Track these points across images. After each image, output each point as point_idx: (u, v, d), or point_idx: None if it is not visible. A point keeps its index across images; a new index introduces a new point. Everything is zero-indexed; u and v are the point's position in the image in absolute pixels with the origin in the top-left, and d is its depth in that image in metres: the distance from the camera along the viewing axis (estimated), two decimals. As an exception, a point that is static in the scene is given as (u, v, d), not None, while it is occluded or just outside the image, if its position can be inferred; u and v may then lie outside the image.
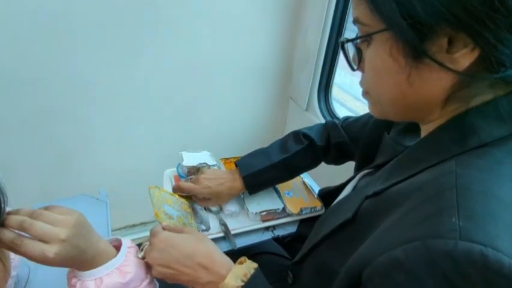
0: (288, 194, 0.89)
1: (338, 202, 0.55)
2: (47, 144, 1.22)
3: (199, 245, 0.49)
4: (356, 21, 0.40)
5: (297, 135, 0.82)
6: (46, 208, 0.41)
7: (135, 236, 1.61)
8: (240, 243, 0.77)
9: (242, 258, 0.50)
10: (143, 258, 0.49)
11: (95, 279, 0.42)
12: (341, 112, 1.39)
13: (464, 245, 0.28)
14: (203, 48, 1.27)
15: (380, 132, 0.60)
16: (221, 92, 1.42)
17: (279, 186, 0.90)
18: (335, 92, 1.43)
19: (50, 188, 1.29)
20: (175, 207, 0.76)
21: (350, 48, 0.43)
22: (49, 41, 1.03)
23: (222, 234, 0.78)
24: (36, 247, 0.38)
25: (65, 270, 0.45)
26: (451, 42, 0.33)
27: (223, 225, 0.79)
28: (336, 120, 0.83)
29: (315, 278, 0.51)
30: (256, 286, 0.46)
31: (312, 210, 0.85)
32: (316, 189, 0.95)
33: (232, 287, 0.44)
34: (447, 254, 0.28)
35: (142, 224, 1.66)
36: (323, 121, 1.35)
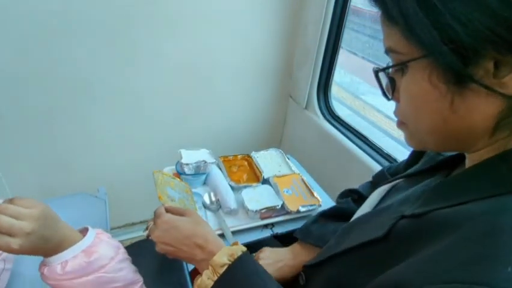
0: (287, 191, 0.89)
1: (366, 214, 0.52)
2: (47, 143, 1.22)
3: (197, 228, 0.55)
4: (388, 51, 0.38)
5: (344, 192, 0.78)
6: (11, 201, 0.42)
7: (135, 235, 1.61)
8: (239, 240, 0.77)
9: (235, 242, 0.54)
10: (148, 236, 0.57)
11: (61, 262, 0.44)
12: (341, 110, 1.39)
13: None
14: (203, 48, 1.27)
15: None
16: (220, 90, 1.42)
17: (278, 184, 0.90)
18: (335, 90, 1.43)
19: (50, 186, 1.29)
20: (176, 190, 0.80)
21: (383, 78, 0.41)
22: (49, 40, 1.03)
23: (220, 232, 0.78)
24: (1, 240, 0.39)
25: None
26: (497, 65, 0.31)
27: (223, 222, 0.80)
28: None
29: (329, 286, 0.49)
30: (241, 266, 0.49)
31: (311, 208, 0.85)
32: (316, 187, 0.96)
33: (219, 263, 0.49)
34: None
35: (141, 222, 1.66)
36: (322, 119, 1.36)
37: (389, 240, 0.40)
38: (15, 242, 0.39)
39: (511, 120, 0.33)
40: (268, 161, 1.03)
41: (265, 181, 0.94)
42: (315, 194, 0.89)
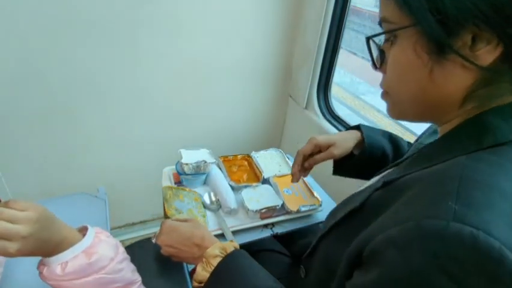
0: (287, 191, 0.89)
1: (350, 195, 0.55)
2: (47, 143, 1.22)
3: (195, 230, 0.63)
4: (382, 21, 0.41)
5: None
6: (6, 204, 0.41)
7: (135, 235, 1.61)
8: (239, 240, 0.77)
9: (230, 241, 0.61)
10: (155, 243, 0.65)
11: (61, 263, 0.43)
12: (341, 110, 1.39)
13: (456, 226, 0.28)
14: (202, 48, 1.27)
15: None
16: (220, 90, 1.42)
17: (278, 184, 0.90)
18: (335, 90, 1.43)
19: (50, 186, 1.29)
20: (185, 201, 0.84)
21: (374, 49, 0.44)
22: (49, 39, 1.03)
23: (220, 232, 0.78)
24: None
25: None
26: (474, 40, 0.34)
27: (222, 222, 0.80)
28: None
29: (323, 269, 0.51)
30: (233, 260, 0.55)
31: (311, 207, 0.85)
32: (316, 187, 0.96)
33: (212, 254, 0.55)
34: (438, 234, 0.29)
35: (141, 222, 1.66)
36: (322, 119, 1.36)
37: (364, 210, 0.45)
38: (12, 247, 0.38)
39: (480, 93, 0.37)
40: (268, 160, 1.03)
41: (265, 181, 0.94)
42: (315, 194, 0.89)
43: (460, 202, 0.30)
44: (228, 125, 1.54)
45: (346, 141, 0.74)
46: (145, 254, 0.76)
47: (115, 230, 1.59)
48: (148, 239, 0.79)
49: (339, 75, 1.36)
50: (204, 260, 0.57)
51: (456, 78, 0.37)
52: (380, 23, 0.42)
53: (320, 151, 0.75)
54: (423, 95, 0.40)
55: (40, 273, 0.45)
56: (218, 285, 0.54)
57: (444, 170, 0.36)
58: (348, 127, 0.84)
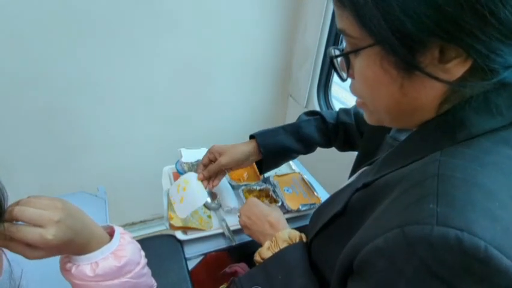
0: (287, 190, 0.89)
1: (332, 195, 0.56)
2: (47, 142, 1.21)
3: (274, 212, 0.69)
4: (341, 32, 0.39)
5: (309, 111, 0.86)
6: (28, 198, 0.40)
7: (135, 234, 1.60)
8: (239, 240, 0.77)
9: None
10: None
11: (91, 263, 0.42)
12: (341, 109, 1.38)
13: (440, 230, 0.28)
14: (202, 47, 1.27)
15: (382, 131, 0.59)
16: (220, 89, 1.41)
17: (279, 182, 0.90)
18: (335, 90, 1.43)
19: (50, 185, 1.29)
20: None
21: (337, 58, 0.42)
22: (47, 39, 1.03)
23: (221, 231, 0.78)
24: (34, 231, 0.37)
25: (58, 270, 0.44)
26: (442, 52, 0.33)
27: (223, 221, 0.79)
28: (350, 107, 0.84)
29: (316, 271, 0.51)
30: (295, 248, 0.56)
31: (312, 206, 0.85)
32: (316, 185, 0.95)
33: (282, 238, 0.60)
34: (424, 240, 0.28)
35: (141, 222, 1.66)
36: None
37: (347, 213, 0.44)
38: (49, 232, 0.37)
39: (455, 96, 0.36)
40: (269, 159, 1.03)
41: (266, 180, 0.94)
42: (316, 193, 0.89)
43: (441, 204, 0.29)
44: (229, 125, 1.54)
45: (236, 150, 0.77)
46: (148, 253, 0.75)
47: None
48: (148, 238, 0.79)
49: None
50: (273, 239, 0.61)
51: (428, 90, 0.36)
52: (339, 32, 0.40)
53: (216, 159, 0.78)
54: (397, 106, 0.39)
55: (66, 271, 0.43)
56: (274, 269, 0.56)
57: (421, 168, 0.35)
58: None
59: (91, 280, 0.42)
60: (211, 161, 0.78)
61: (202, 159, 0.79)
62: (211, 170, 0.76)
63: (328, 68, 1.33)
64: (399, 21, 0.32)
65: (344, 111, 0.83)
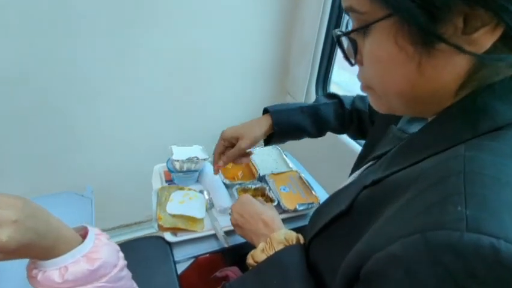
0: (283, 189, 0.85)
1: (335, 193, 0.51)
2: (36, 142, 1.17)
3: (269, 211, 0.64)
4: (348, 11, 0.34)
5: (328, 93, 0.82)
6: None
7: (129, 236, 1.57)
8: (233, 241, 0.73)
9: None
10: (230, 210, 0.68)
11: (60, 268, 0.37)
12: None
13: (472, 236, 0.24)
14: (199, 43, 1.23)
15: (393, 121, 0.54)
16: (217, 87, 1.38)
17: (275, 181, 0.86)
18: (333, 89, 1.39)
19: (39, 186, 1.25)
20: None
21: (344, 41, 0.38)
22: (36, 38, 0.99)
23: (213, 232, 0.73)
24: None
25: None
26: (466, 21, 0.28)
27: (215, 222, 0.75)
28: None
29: (314, 273, 0.47)
30: (292, 251, 0.52)
31: (309, 206, 0.80)
32: (314, 184, 0.91)
33: (278, 239, 0.55)
34: (451, 248, 0.24)
35: (136, 223, 1.61)
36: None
37: (352, 213, 0.40)
38: (3, 233, 0.33)
39: (477, 77, 0.32)
40: (265, 157, 0.99)
41: (261, 178, 0.90)
42: (314, 192, 0.85)
43: (470, 206, 0.25)
44: (225, 123, 1.49)
45: (253, 131, 0.73)
46: (133, 256, 0.71)
47: (108, 232, 1.54)
48: (134, 240, 0.75)
49: (337, 75, 1.33)
50: (268, 240, 0.56)
51: (450, 68, 0.31)
52: (346, 11, 0.36)
53: (234, 144, 0.74)
54: (412, 89, 0.34)
55: (32, 278, 0.39)
56: (268, 273, 0.51)
57: (442, 165, 0.31)
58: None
59: (60, 287, 0.37)
60: (227, 147, 0.75)
61: (216, 148, 0.77)
62: (231, 156, 0.74)
63: (326, 65, 1.29)
64: None
65: (360, 97, 0.79)
